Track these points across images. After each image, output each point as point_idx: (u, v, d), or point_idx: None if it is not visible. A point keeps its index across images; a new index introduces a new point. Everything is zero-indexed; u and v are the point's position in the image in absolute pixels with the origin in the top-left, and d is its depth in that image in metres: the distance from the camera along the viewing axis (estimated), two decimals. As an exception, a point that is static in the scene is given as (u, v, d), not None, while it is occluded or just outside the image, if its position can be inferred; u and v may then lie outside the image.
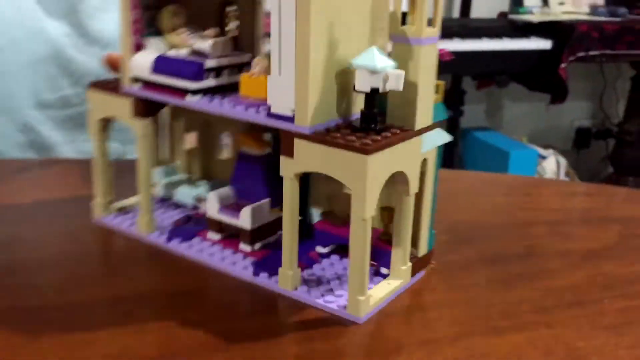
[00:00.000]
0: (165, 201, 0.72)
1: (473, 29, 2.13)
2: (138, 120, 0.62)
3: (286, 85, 0.51)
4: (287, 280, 0.56)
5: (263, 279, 0.57)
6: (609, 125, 2.77)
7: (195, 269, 0.60)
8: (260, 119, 0.54)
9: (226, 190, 0.64)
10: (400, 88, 0.50)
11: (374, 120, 0.51)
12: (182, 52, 0.61)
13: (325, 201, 0.65)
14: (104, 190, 0.68)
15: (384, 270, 0.58)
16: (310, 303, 0.55)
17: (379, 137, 0.50)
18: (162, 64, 0.59)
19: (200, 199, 0.69)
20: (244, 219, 0.60)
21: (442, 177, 0.60)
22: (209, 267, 0.60)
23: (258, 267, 0.58)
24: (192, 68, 0.58)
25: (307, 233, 0.63)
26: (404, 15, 0.52)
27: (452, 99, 2.32)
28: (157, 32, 0.62)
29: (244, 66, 0.61)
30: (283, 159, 0.53)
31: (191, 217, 0.68)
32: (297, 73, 0.50)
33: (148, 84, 0.61)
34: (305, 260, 0.59)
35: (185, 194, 0.71)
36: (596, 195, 0.91)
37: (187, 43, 0.60)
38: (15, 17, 0.97)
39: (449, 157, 2.44)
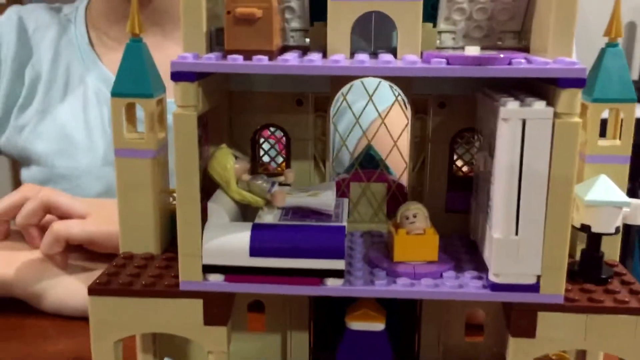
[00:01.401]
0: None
1: None
2: (214, 330, 0.39)
3: (526, 247, 0.37)
4: None
5: None
6: None
7: None
8: (475, 294, 0.39)
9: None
10: (641, 222, 0.41)
11: (600, 266, 0.41)
12: (276, 213, 0.40)
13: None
14: None
15: None
16: None
17: (625, 288, 0.40)
18: (271, 240, 0.38)
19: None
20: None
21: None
22: None
23: None
24: (334, 239, 0.38)
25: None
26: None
27: (632, 171, 1.99)
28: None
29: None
30: (515, 342, 0.39)
31: None
32: (548, 231, 0.37)
33: (238, 273, 0.38)
34: None
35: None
36: None
37: (282, 201, 0.39)
38: None
39: (625, 244, 2.04)
